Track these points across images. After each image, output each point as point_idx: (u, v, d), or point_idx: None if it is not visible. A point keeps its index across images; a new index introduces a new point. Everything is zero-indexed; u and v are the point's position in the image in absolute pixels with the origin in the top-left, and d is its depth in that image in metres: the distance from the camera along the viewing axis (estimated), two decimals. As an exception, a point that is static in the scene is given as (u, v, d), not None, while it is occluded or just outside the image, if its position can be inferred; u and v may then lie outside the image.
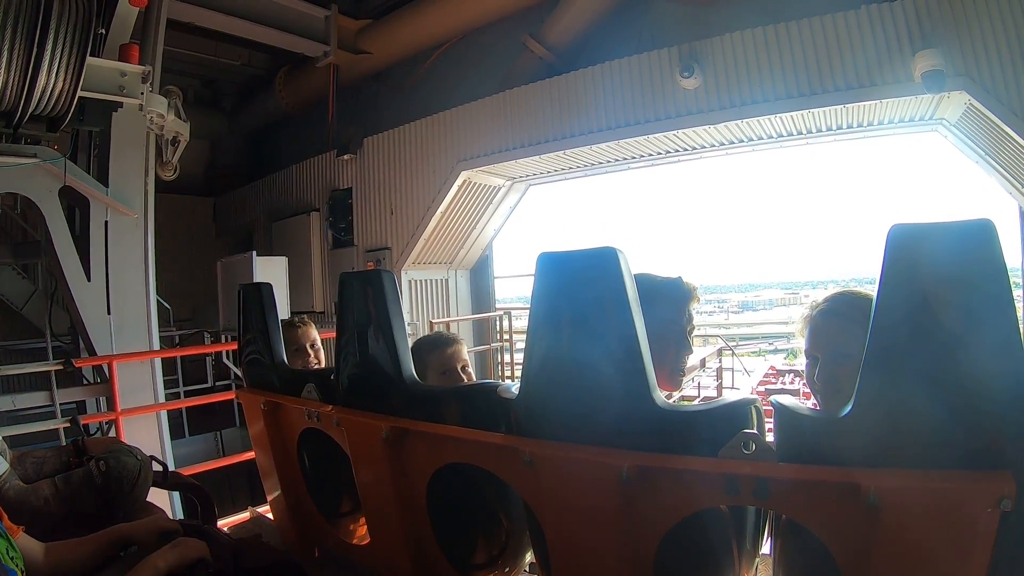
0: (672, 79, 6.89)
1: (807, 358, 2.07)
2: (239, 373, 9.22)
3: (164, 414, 6.50)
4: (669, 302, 2.23)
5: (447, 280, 10.45)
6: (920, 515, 1.33)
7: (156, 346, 6.93)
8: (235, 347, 9.56)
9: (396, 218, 9.71)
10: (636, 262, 1.68)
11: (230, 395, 7.16)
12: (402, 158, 9.56)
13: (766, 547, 2.03)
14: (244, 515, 3.85)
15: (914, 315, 1.35)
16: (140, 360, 6.29)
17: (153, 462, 2.51)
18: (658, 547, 1.69)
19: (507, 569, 2.33)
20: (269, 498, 3.12)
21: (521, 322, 11.24)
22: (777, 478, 1.47)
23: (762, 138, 7.36)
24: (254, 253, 9.28)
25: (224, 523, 3.62)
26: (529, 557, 2.38)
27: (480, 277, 10.96)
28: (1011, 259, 6.43)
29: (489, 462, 1.97)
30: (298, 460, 2.78)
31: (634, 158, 8.43)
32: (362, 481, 2.35)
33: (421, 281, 9.98)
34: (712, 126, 6.93)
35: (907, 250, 1.35)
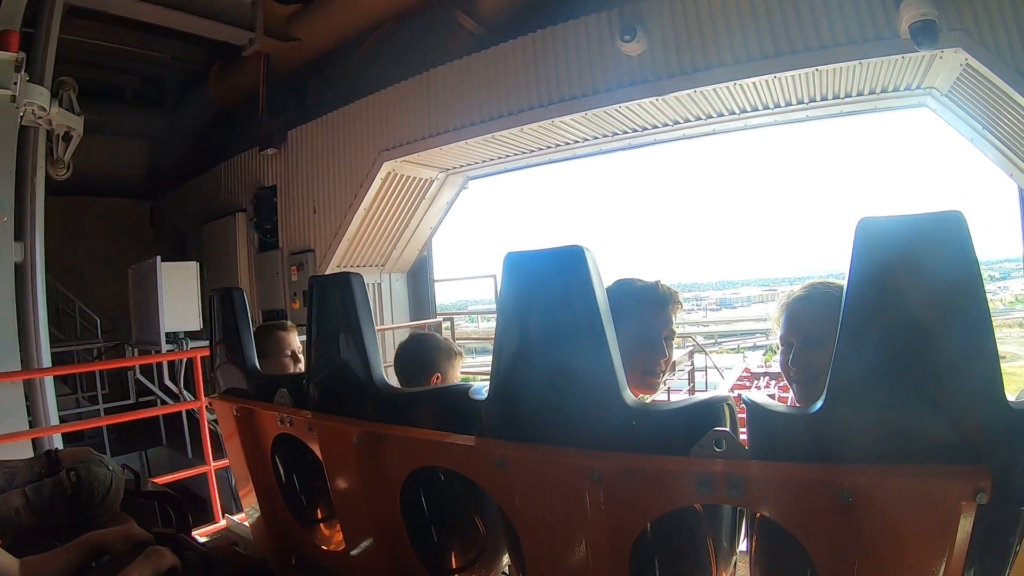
0: (612, 45, 6.06)
1: (782, 344, 2.08)
2: (156, 390, 8.92)
3: (56, 437, 5.82)
4: (643, 306, 2.22)
5: (380, 284, 9.82)
6: (895, 510, 1.32)
7: (45, 363, 6.37)
8: (143, 361, 9.22)
9: (319, 217, 9.06)
10: (605, 263, 1.67)
11: (152, 412, 6.91)
12: (324, 151, 8.91)
13: (743, 545, 2.02)
14: (220, 524, 3.81)
15: (884, 309, 1.34)
16: (11, 381, 5.64)
17: (126, 471, 2.48)
18: (633, 547, 1.67)
19: (484, 573, 2.30)
20: (244, 506, 3.08)
21: (466, 327, 11.05)
22: (750, 476, 1.45)
23: (722, 114, 6.70)
24: (159, 259, 8.59)
25: (200, 532, 3.56)
26: (506, 560, 2.36)
27: (418, 280, 10.34)
28: (1012, 246, 6.12)
29: (461, 465, 1.94)
30: (272, 467, 2.74)
31: (577, 142, 7.69)
32: (336, 487, 2.31)
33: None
34: (662, 99, 6.09)
35: (876, 244, 1.33)
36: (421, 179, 8.75)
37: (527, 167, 8.86)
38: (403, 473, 2.09)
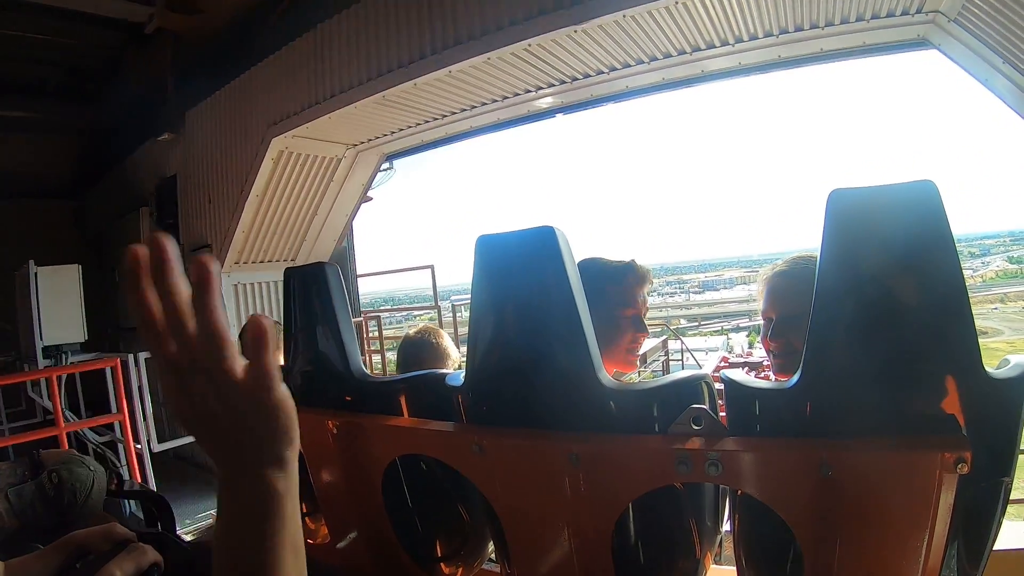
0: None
1: (763, 319, 2.08)
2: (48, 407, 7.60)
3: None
4: (619, 286, 2.22)
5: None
6: (876, 483, 1.32)
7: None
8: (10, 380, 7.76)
9: (214, 207, 7.82)
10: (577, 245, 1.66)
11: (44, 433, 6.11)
12: (215, 133, 7.71)
13: (728, 524, 2.02)
14: (208, 523, 3.79)
15: (858, 281, 1.33)
16: None
17: (108, 471, 2.45)
18: (615, 529, 1.66)
19: (469, 560, 2.29)
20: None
21: (394, 331, 10.23)
22: (728, 452, 1.44)
23: (670, 54, 5.29)
24: (32, 263, 7.72)
25: (188, 530, 3.55)
26: (492, 547, 2.35)
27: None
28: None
29: (440, 452, 1.93)
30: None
31: (495, 101, 6.26)
32: (318, 479, 2.30)
33: (254, 285, 8.22)
34: (586, 33, 4.77)
35: (848, 215, 1.33)
36: (324, 158, 7.56)
37: (452, 140, 7.56)
38: (383, 463, 2.07)
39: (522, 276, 1.65)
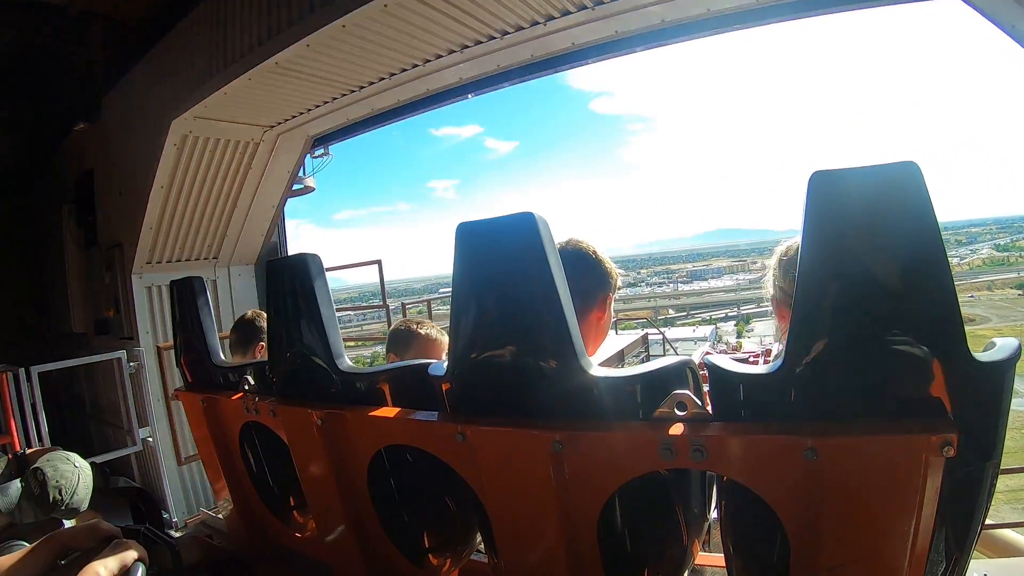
0: None
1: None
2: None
3: None
4: (603, 291, 2.19)
5: (216, 282, 7.96)
6: (861, 467, 1.31)
7: None
8: None
9: (124, 201, 7.03)
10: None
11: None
12: (125, 119, 6.95)
13: (715, 512, 2.01)
14: (196, 517, 3.77)
15: (840, 264, 1.32)
16: None
17: (94, 469, 2.44)
18: (600, 517, 1.66)
19: (457, 551, 2.28)
20: (217, 499, 3.05)
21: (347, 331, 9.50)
22: (712, 438, 1.43)
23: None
24: None
25: (175, 527, 3.53)
26: (479, 536, 2.35)
27: None
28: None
29: (424, 442, 1.92)
30: (242, 457, 2.71)
31: (414, 65, 5.50)
32: (304, 472, 2.29)
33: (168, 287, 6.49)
34: None
35: (829, 197, 1.32)
36: (237, 142, 6.75)
37: (384, 120, 6.83)
38: (368, 454, 2.06)
39: (503, 264, 1.63)
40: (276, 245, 8.33)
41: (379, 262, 7.75)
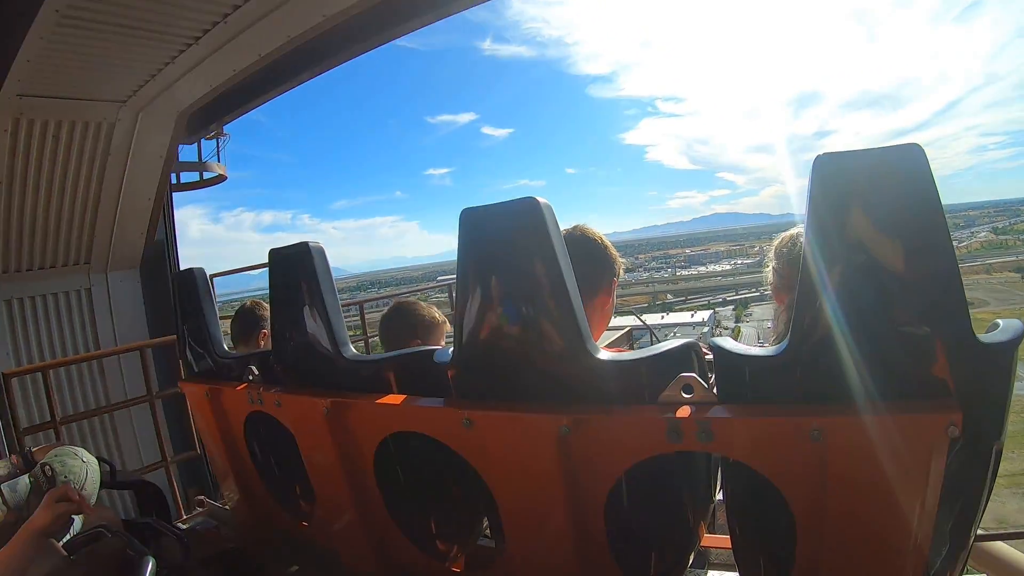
0: None
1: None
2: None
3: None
4: (611, 276, 2.19)
5: (91, 291, 6.78)
6: (866, 447, 1.31)
7: None
8: None
9: None
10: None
11: None
12: None
13: (720, 495, 2.02)
14: (202, 510, 3.79)
15: (845, 246, 1.32)
16: None
17: (100, 462, 2.45)
18: (607, 500, 1.66)
19: (464, 537, 2.29)
20: (223, 490, 3.06)
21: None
22: (718, 420, 1.44)
23: None
24: None
25: (182, 519, 3.54)
26: (486, 522, 2.36)
27: (156, 279, 7.18)
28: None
29: (430, 428, 1.91)
30: (248, 447, 2.71)
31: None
32: (310, 461, 2.29)
33: (35, 300, 6.36)
34: None
35: (834, 179, 1.32)
36: (85, 123, 5.61)
37: (281, 78, 6.01)
38: (374, 441, 2.07)
39: (508, 249, 1.63)
40: (162, 244, 7.25)
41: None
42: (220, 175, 13.69)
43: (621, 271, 2.20)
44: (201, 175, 13.17)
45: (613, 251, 2.16)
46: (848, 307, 1.33)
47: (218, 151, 13.87)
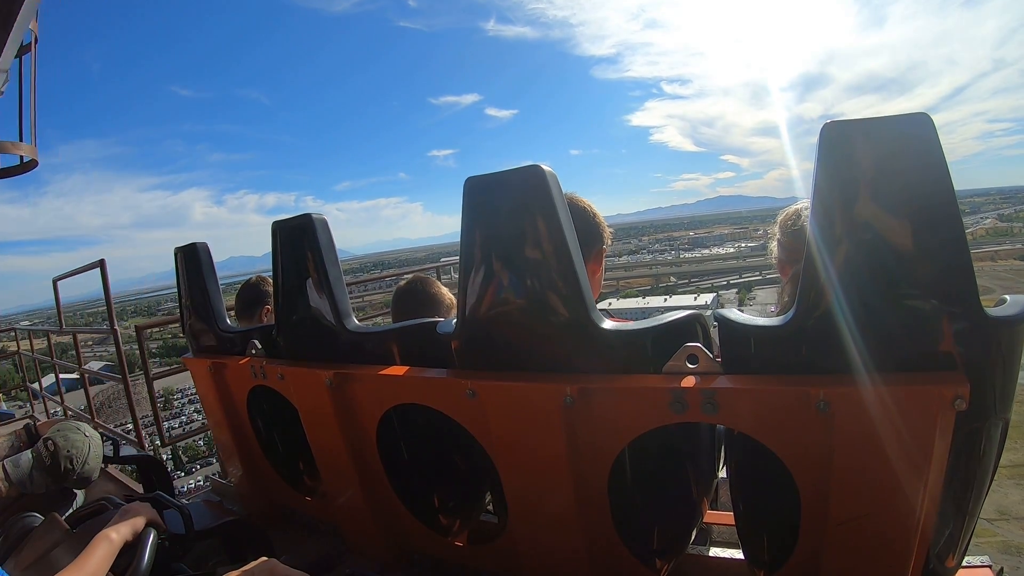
0: None
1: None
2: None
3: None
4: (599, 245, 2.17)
5: None
6: (873, 420, 1.30)
7: None
8: None
9: None
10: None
11: None
12: None
13: (723, 472, 2.01)
14: (207, 486, 3.80)
15: (853, 216, 1.30)
16: None
17: (104, 438, 2.45)
18: (610, 473, 1.66)
19: (467, 511, 2.29)
20: (227, 465, 3.06)
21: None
22: (724, 390, 1.43)
23: None
24: None
25: (188, 493, 3.55)
26: (488, 497, 2.36)
27: None
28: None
29: (434, 400, 1.91)
30: (250, 422, 2.72)
31: None
32: (312, 434, 2.29)
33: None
34: None
35: (842, 148, 1.30)
36: None
37: None
38: (378, 413, 2.06)
39: (513, 217, 1.61)
40: None
41: (102, 262, 5.12)
42: (29, 161, 5.76)
43: (609, 240, 2.18)
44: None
45: (601, 220, 2.14)
46: (854, 277, 1.31)
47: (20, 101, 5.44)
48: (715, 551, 2.06)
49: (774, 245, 2.21)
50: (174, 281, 2.90)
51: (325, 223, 2.13)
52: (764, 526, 1.75)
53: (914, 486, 1.31)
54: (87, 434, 2.33)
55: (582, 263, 1.57)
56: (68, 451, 2.20)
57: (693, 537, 1.99)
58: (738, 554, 1.99)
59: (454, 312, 2.76)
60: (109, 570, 1.57)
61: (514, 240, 1.61)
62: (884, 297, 1.30)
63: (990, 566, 1.89)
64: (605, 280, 2.09)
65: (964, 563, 1.72)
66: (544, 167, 1.55)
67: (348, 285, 2.26)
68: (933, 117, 1.24)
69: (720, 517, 2.21)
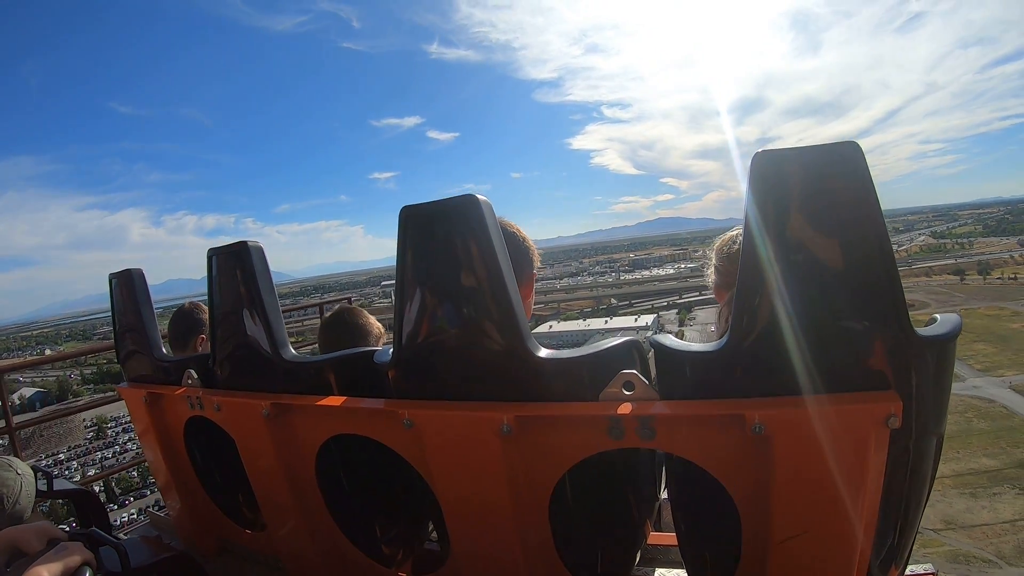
0: None
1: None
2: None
3: None
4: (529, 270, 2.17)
5: None
6: (809, 440, 1.32)
7: None
8: None
9: None
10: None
11: None
12: None
13: (665, 493, 2.02)
14: (144, 520, 3.69)
15: (784, 242, 1.33)
16: None
17: (36, 472, 2.35)
18: (551, 499, 1.65)
19: (410, 540, 2.26)
20: (165, 498, 2.98)
21: None
22: (660, 415, 1.43)
23: None
24: None
25: (122, 529, 3.44)
26: (431, 525, 2.33)
27: None
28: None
29: (371, 430, 1.89)
30: (189, 454, 2.65)
31: None
32: (251, 465, 2.24)
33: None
34: None
35: (772, 176, 1.32)
36: None
37: None
38: (316, 444, 2.03)
39: (447, 248, 1.60)
40: None
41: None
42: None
43: (538, 262, 2.18)
44: None
45: (531, 243, 2.15)
46: (787, 302, 1.33)
47: None
48: (660, 572, 2.07)
49: (711, 271, 2.23)
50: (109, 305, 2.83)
51: (261, 251, 2.09)
52: (707, 546, 1.77)
53: (852, 502, 1.33)
54: (19, 471, 2.24)
55: (517, 292, 1.56)
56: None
57: (638, 559, 1.99)
58: (683, 574, 2.00)
59: (383, 341, 2.72)
60: None
61: (450, 269, 1.60)
62: (816, 320, 1.33)
63: (935, 573, 1.93)
64: (546, 302, 2.10)
65: (908, 572, 1.75)
66: (479, 197, 1.55)
67: (287, 311, 2.22)
68: (867, 139, 1.28)
69: (664, 538, 2.21)
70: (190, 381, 2.40)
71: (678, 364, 1.49)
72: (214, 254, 2.19)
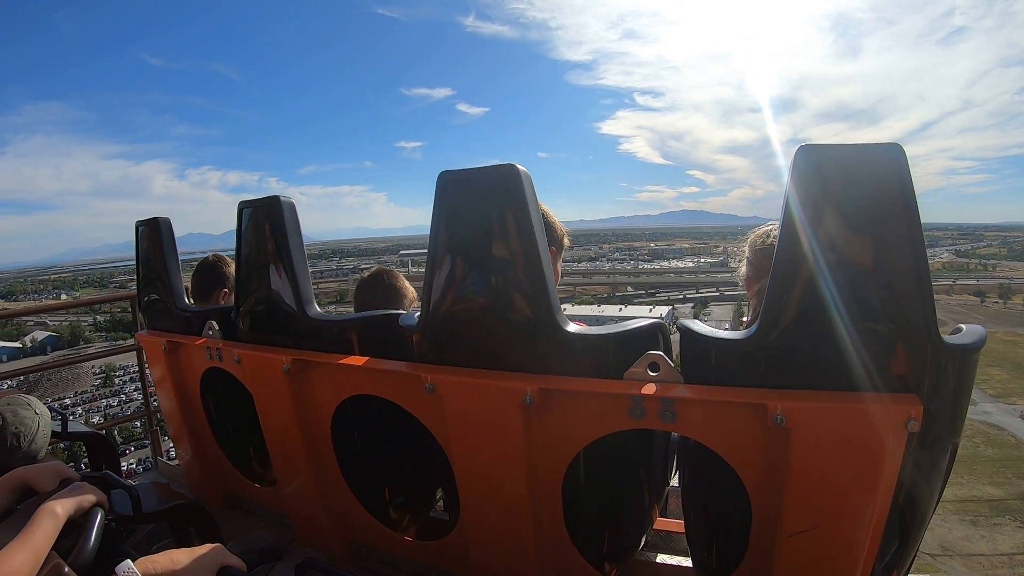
0: None
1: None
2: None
3: None
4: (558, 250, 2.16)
5: None
6: (829, 436, 1.32)
7: None
8: None
9: None
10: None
11: None
12: None
13: (675, 480, 2.02)
14: (141, 469, 3.72)
15: (821, 237, 1.32)
16: None
17: (52, 413, 2.38)
18: (565, 475, 1.66)
19: (418, 507, 2.27)
20: (176, 447, 3.00)
21: None
22: (683, 399, 1.43)
23: None
24: None
25: (133, 476, 3.48)
26: (440, 493, 2.34)
27: None
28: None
29: (392, 392, 1.89)
30: (203, 404, 2.66)
31: None
32: (266, 420, 2.25)
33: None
34: None
35: (814, 171, 1.32)
36: None
37: None
38: (334, 403, 2.04)
39: (484, 216, 1.60)
40: None
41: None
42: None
43: (567, 243, 2.17)
44: None
45: (559, 223, 2.14)
46: (819, 298, 1.32)
47: None
48: (663, 558, 2.08)
49: (743, 265, 2.22)
50: (129, 253, 2.84)
51: (292, 206, 2.09)
52: (714, 535, 1.77)
53: (865, 502, 1.34)
54: (37, 411, 2.27)
55: (551, 266, 1.56)
56: (16, 428, 2.14)
57: (643, 543, 2.00)
58: (686, 562, 2.01)
59: (416, 305, 2.73)
60: (52, 548, 1.53)
61: (485, 238, 1.60)
62: (845, 317, 1.32)
63: None
64: (561, 285, 2.09)
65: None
66: (519, 167, 1.54)
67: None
68: (900, 149, 1.27)
69: (669, 525, 2.21)
70: (211, 332, 2.41)
71: (704, 349, 1.48)
72: (246, 206, 2.20)
